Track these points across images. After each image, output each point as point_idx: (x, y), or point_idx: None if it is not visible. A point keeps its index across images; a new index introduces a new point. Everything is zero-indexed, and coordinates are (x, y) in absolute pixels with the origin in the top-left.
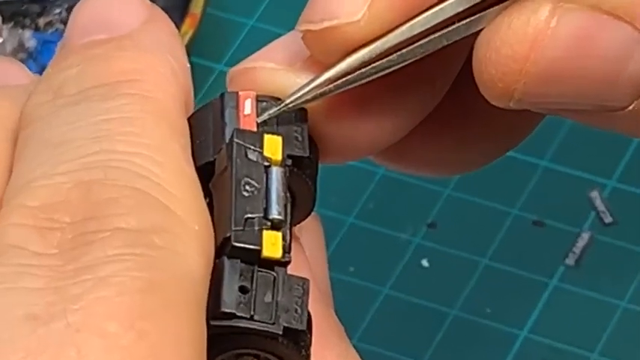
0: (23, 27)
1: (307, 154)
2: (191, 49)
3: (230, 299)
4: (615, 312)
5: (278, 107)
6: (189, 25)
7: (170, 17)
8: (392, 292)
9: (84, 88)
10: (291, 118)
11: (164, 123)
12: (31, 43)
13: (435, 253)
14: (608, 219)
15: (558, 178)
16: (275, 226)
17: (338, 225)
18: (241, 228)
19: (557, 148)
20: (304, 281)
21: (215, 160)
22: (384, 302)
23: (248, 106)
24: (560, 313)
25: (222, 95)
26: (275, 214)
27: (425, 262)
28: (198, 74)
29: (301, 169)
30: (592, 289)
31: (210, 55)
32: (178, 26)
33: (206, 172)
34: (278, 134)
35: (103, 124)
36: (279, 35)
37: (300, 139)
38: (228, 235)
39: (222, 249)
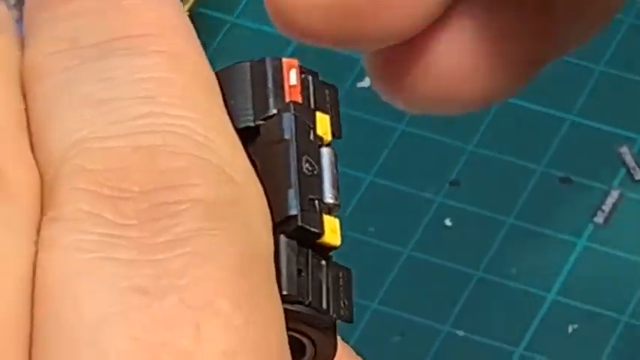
0: None
1: (340, 136)
2: (200, 0)
3: (291, 281)
4: None
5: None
6: None
7: None
8: (413, 253)
9: (103, 39)
10: (324, 94)
11: (201, 83)
12: None
13: (458, 212)
14: (638, 175)
15: (586, 133)
16: (330, 210)
17: (357, 183)
18: (307, 209)
19: (584, 101)
20: (348, 271)
21: (258, 126)
22: (406, 264)
23: (293, 77)
24: (589, 274)
25: (263, 59)
26: (332, 198)
27: (448, 222)
28: (208, 27)
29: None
30: (622, 249)
31: (221, 6)
32: None
33: (242, 137)
34: (324, 112)
35: (141, 82)
36: None
37: (334, 118)
38: (293, 213)
39: (280, 227)
